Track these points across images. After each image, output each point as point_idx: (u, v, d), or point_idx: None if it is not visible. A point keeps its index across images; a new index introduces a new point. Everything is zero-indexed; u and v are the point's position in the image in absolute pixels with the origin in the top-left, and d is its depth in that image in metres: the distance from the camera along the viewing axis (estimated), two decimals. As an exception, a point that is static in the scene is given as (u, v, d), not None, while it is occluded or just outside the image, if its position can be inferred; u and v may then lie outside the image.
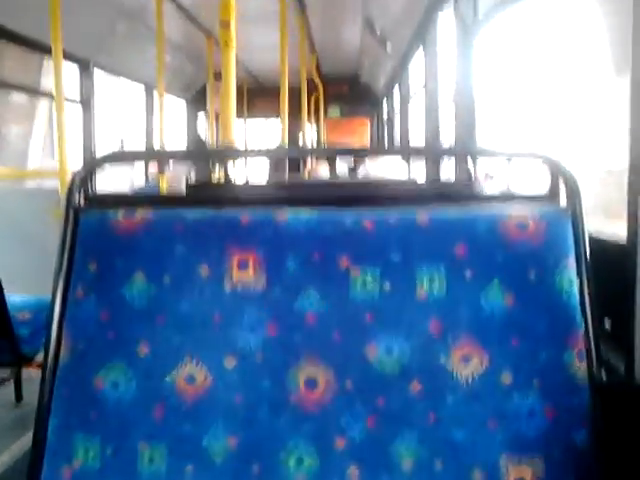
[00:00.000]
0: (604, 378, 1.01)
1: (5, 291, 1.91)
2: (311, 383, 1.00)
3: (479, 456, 0.97)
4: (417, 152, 1.36)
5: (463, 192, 1.66)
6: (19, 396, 2.08)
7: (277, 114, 4.57)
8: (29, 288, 2.14)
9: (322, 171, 5.66)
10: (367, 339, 1.01)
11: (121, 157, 1.17)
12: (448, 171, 3.48)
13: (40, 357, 1.98)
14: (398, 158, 3.27)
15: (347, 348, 1.01)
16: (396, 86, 6.75)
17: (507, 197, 1.34)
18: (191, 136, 8.89)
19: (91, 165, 1.12)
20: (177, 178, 4.07)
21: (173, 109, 8.43)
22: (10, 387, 2.08)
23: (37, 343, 2.04)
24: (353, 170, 6.25)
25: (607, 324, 1.26)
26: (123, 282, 1.03)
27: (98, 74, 5.44)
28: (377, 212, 1.07)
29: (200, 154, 1.39)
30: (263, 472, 0.98)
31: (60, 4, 3.07)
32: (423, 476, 0.97)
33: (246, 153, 1.20)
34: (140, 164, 6.54)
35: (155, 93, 5.71)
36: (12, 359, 2.01)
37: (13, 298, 2.05)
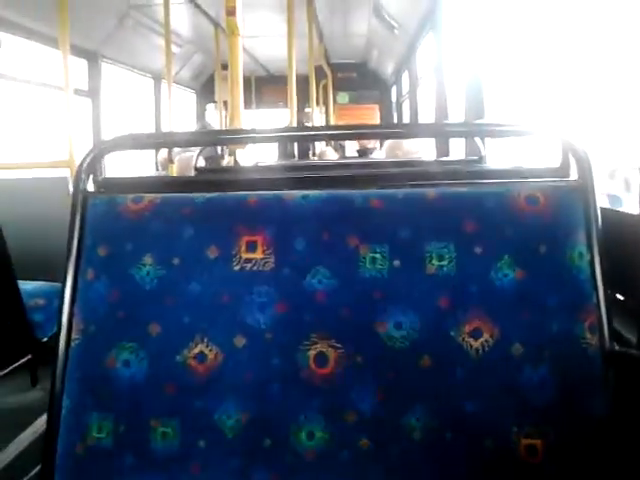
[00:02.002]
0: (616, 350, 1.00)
1: (19, 279, 1.94)
2: (321, 359, 1.00)
3: (490, 427, 0.97)
4: (425, 131, 1.36)
5: (472, 169, 1.66)
6: (34, 380, 2.12)
7: (286, 103, 4.57)
8: (42, 276, 2.18)
9: (330, 156, 5.64)
10: (377, 315, 1.01)
11: (129, 141, 1.16)
12: (459, 150, 3.47)
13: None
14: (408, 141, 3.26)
15: (357, 324, 1.01)
16: (405, 72, 6.72)
17: (517, 173, 1.33)
18: (200, 126, 8.90)
19: (98, 150, 1.12)
20: (187, 167, 4.07)
21: (182, 103, 8.43)
22: (26, 372, 2.12)
23: (51, 329, 2.08)
24: (362, 155, 6.22)
25: (620, 297, 1.25)
26: (132, 264, 1.04)
27: (106, 67, 5.46)
28: (385, 190, 1.07)
29: (208, 136, 1.39)
30: (275, 446, 0.98)
31: None
32: (434, 448, 0.97)
33: (254, 132, 1.19)
34: (150, 156, 6.55)
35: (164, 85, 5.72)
36: (27, 345, 2.05)
37: (27, 285, 2.09)
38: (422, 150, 3.22)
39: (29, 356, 2.11)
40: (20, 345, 2.06)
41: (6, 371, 2.04)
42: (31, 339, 2.05)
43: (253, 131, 1.20)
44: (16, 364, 2.09)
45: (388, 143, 3.33)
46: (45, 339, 2.09)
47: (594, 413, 0.97)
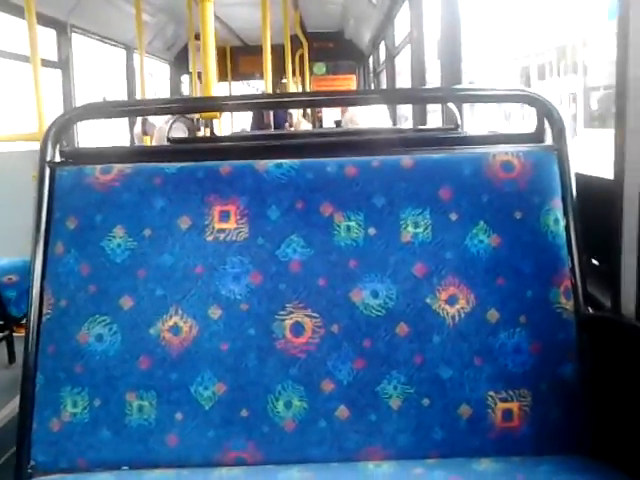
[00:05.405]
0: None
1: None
2: (297, 329, 1.00)
3: (466, 393, 0.98)
4: (401, 96, 1.35)
5: (448, 136, 1.65)
6: (12, 358, 2.09)
7: (262, 74, 4.49)
8: (14, 251, 2.13)
9: (305, 128, 5.59)
10: (353, 284, 1.01)
11: (98, 109, 1.13)
12: (436, 119, 3.47)
13: None
14: (384, 110, 3.24)
15: (333, 293, 1.01)
16: (382, 42, 6.64)
17: (492, 139, 1.33)
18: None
19: (66, 118, 1.09)
20: (162, 139, 4.00)
21: (157, 76, 8.27)
22: (2, 349, 2.09)
23: (25, 305, 2.05)
24: (338, 125, 6.21)
25: (594, 262, 1.26)
26: (102, 236, 1.02)
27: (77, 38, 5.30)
28: (360, 158, 1.06)
29: (182, 103, 1.36)
30: (252, 416, 0.98)
31: None
32: (411, 414, 0.98)
33: (229, 99, 1.17)
34: (124, 127, 6.43)
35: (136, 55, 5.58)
36: (2, 322, 2.02)
37: (-1, 262, 2.05)
38: (378, 122, 3.22)
39: (5, 332, 2.08)
40: None
41: None
42: (6, 316, 2.02)
43: (228, 98, 1.17)
44: None
45: (344, 117, 3.35)
46: (21, 315, 2.06)
47: (569, 376, 0.98)
